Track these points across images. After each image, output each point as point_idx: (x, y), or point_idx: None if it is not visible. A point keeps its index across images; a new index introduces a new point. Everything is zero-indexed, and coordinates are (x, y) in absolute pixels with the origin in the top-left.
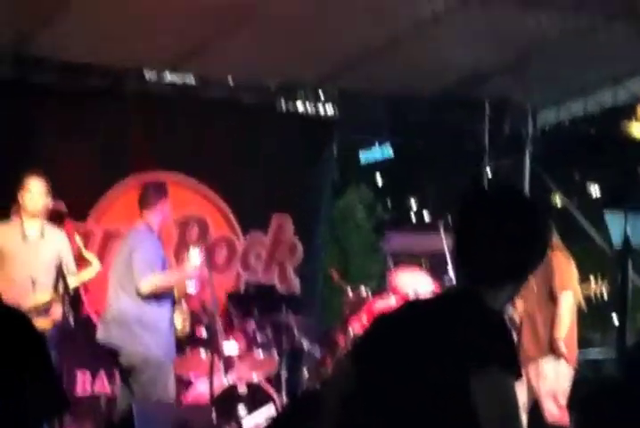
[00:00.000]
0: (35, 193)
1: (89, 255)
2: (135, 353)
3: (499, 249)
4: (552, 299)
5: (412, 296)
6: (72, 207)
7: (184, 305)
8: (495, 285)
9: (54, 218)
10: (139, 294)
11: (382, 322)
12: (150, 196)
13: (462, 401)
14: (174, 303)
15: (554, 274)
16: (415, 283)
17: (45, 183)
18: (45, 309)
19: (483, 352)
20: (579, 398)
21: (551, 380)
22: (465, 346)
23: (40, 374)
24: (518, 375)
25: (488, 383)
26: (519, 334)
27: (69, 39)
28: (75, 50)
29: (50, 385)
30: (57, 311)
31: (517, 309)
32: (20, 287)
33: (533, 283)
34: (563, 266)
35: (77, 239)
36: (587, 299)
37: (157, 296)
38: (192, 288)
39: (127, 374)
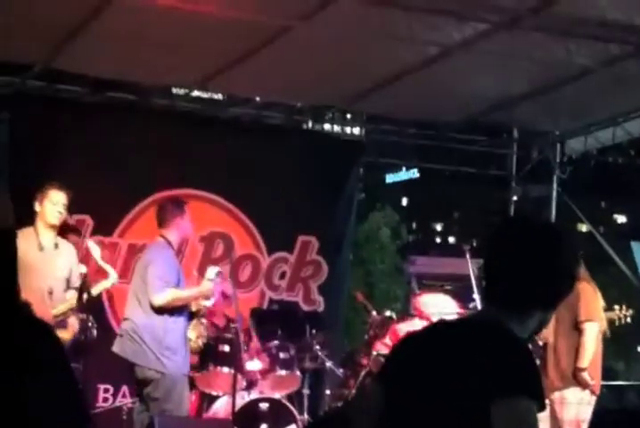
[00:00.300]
0: (56, 204)
1: (106, 266)
2: (147, 367)
3: (529, 278)
4: (576, 329)
5: (435, 319)
6: (98, 221)
7: (203, 321)
8: (523, 314)
9: (64, 231)
10: (152, 308)
11: (410, 343)
12: (166, 213)
13: (482, 426)
14: (190, 319)
15: (580, 304)
16: (439, 306)
17: (66, 195)
18: (62, 321)
19: (507, 381)
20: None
21: (574, 409)
22: (490, 373)
23: (61, 388)
24: (541, 406)
25: (509, 413)
26: (543, 363)
27: (96, 55)
28: (102, 66)
29: (71, 399)
30: (75, 323)
31: (541, 338)
32: (39, 298)
33: (559, 312)
34: (589, 296)
35: (94, 250)
36: (611, 324)
37: (171, 311)
38: (209, 303)
39: (143, 387)
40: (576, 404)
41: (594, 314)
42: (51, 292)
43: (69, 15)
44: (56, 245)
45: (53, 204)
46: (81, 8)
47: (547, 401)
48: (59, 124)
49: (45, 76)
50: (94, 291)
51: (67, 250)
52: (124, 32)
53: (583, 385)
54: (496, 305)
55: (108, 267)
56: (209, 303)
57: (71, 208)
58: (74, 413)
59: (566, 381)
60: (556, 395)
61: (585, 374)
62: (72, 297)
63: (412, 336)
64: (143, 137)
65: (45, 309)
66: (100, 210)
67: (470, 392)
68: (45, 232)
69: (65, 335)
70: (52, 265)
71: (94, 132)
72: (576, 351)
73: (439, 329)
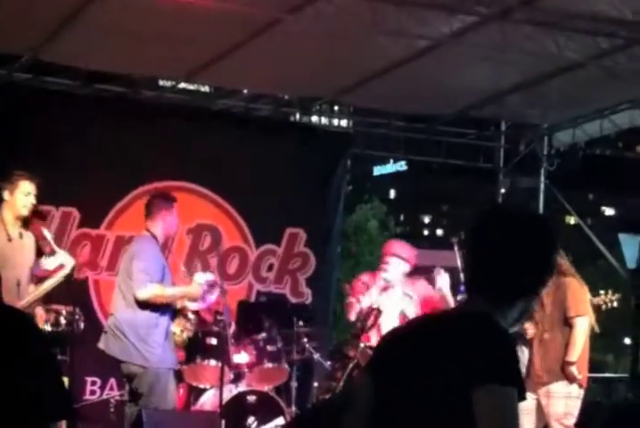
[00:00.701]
0: (27, 195)
1: (63, 253)
2: (130, 362)
3: (512, 268)
4: (566, 324)
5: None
6: (85, 213)
7: (190, 316)
8: (506, 303)
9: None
10: (136, 302)
11: (396, 335)
12: (153, 206)
13: (465, 417)
14: (174, 316)
15: (569, 299)
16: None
17: (36, 186)
18: (30, 312)
19: (486, 369)
20: (596, 422)
21: (561, 403)
22: (470, 362)
23: (45, 377)
24: (521, 394)
25: (489, 399)
26: (531, 357)
27: (85, 47)
28: (90, 58)
29: (55, 388)
30: (42, 313)
31: (529, 333)
32: (8, 289)
33: (547, 307)
34: (577, 291)
35: (49, 236)
36: (598, 309)
37: (155, 306)
38: (194, 306)
39: (129, 381)
40: (563, 398)
41: (583, 309)
42: (19, 284)
43: (57, 7)
44: (21, 235)
45: (24, 195)
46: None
47: (534, 395)
48: (46, 115)
49: (32, 68)
50: (53, 280)
51: (29, 239)
52: (112, 24)
53: (570, 379)
54: (480, 295)
55: (64, 254)
56: (194, 306)
57: (58, 200)
58: (58, 401)
59: (553, 375)
60: (543, 389)
61: (573, 368)
62: (38, 287)
63: (399, 329)
64: (131, 130)
65: (15, 301)
66: (87, 203)
67: (452, 382)
68: (13, 222)
69: (39, 326)
70: (19, 255)
71: (81, 124)
72: (565, 346)
73: (424, 322)
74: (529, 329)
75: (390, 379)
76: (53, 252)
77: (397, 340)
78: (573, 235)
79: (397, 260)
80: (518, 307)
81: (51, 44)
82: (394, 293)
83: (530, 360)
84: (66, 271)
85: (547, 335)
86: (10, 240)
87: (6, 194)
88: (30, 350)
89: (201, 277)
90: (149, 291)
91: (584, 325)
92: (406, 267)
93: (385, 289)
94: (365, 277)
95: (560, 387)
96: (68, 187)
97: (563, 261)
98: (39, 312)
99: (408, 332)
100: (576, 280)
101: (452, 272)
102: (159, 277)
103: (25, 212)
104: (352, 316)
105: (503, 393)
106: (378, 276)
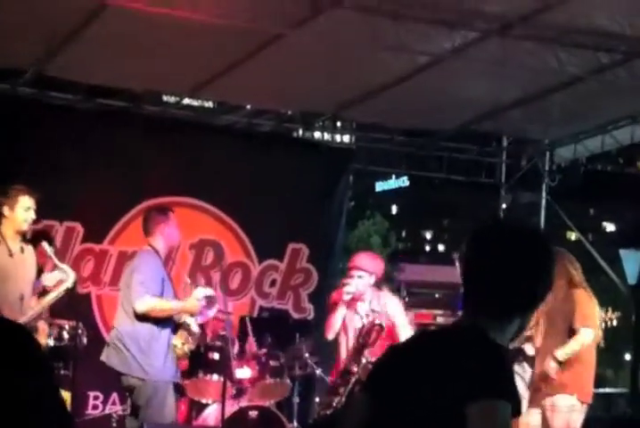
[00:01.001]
0: (27, 210)
1: (64, 267)
2: (130, 374)
3: (508, 282)
4: (572, 336)
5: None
6: (89, 228)
7: (193, 329)
8: (503, 320)
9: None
10: (135, 315)
11: (393, 352)
12: (149, 221)
13: None
14: (176, 326)
15: (576, 311)
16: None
17: (35, 201)
18: (33, 326)
19: (479, 385)
20: None
21: (564, 416)
22: (464, 378)
23: (41, 390)
24: (515, 409)
25: (482, 415)
26: (535, 369)
27: (88, 62)
28: (94, 73)
29: (51, 402)
30: (45, 327)
31: (535, 344)
32: (11, 304)
33: (552, 319)
34: (585, 303)
35: (50, 251)
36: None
37: (155, 319)
38: (194, 322)
39: (130, 394)
40: (566, 412)
41: (590, 321)
42: (22, 298)
43: (61, 22)
44: (22, 249)
45: (24, 210)
46: (73, 15)
47: (539, 409)
48: (50, 131)
49: (36, 82)
50: (54, 294)
51: (30, 254)
52: (116, 39)
53: (545, 372)
54: (476, 311)
55: (65, 267)
56: (191, 321)
57: (62, 215)
58: (54, 415)
59: (555, 388)
60: (548, 402)
61: (552, 364)
62: (40, 302)
63: (396, 346)
64: (134, 145)
65: (18, 315)
66: (90, 218)
67: (446, 399)
68: (14, 237)
69: (42, 340)
70: (21, 270)
71: (84, 138)
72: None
73: (420, 338)
74: (528, 345)
75: (385, 396)
76: (54, 268)
77: (394, 357)
78: (574, 251)
79: (361, 273)
80: (516, 322)
81: (54, 58)
82: (361, 309)
83: (534, 371)
84: (67, 285)
85: (550, 348)
86: (11, 255)
87: (6, 210)
88: (27, 365)
89: (200, 293)
90: (147, 303)
91: (588, 337)
92: (371, 280)
93: (351, 304)
94: (334, 294)
95: (563, 400)
96: (71, 202)
97: (576, 273)
98: (42, 326)
99: (405, 348)
100: (586, 292)
101: (453, 288)
102: (158, 290)
103: (25, 227)
104: (330, 336)
105: (494, 408)
106: (343, 291)
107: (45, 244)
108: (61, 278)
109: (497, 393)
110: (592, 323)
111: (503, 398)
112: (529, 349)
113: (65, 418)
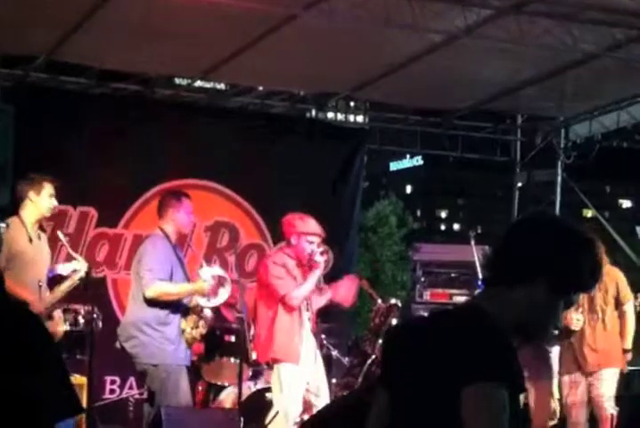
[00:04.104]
0: (52, 197)
1: (77, 256)
2: (143, 358)
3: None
4: (615, 309)
5: None
6: (103, 213)
7: (204, 314)
8: (519, 282)
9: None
10: (145, 300)
11: (397, 337)
12: (162, 205)
13: (454, 417)
14: (186, 313)
15: (618, 286)
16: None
17: (54, 187)
18: (49, 313)
19: (473, 368)
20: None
21: (612, 385)
22: (459, 361)
23: (48, 375)
24: (515, 388)
25: (474, 399)
26: (580, 346)
27: (100, 46)
28: (106, 57)
29: (57, 387)
30: (60, 315)
31: (576, 324)
32: (33, 290)
33: (596, 294)
34: (620, 278)
35: (64, 239)
36: None
37: (165, 303)
38: (209, 303)
39: (143, 378)
40: (613, 382)
41: (629, 293)
42: (40, 285)
43: (73, 7)
44: (39, 237)
45: (49, 196)
46: None
47: (583, 380)
48: (63, 116)
49: (48, 68)
50: (69, 282)
51: (45, 242)
52: (128, 23)
53: (623, 365)
54: (494, 285)
55: (78, 257)
56: (206, 303)
57: (75, 200)
58: (62, 400)
59: (604, 361)
60: (594, 375)
61: (629, 355)
62: (55, 291)
63: (399, 330)
64: (147, 128)
65: (39, 301)
66: (104, 202)
67: (443, 382)
68: (34, 223)
69: (58, 328)
70: (40, 257)
71: (97, 123)
72: (619, 332)
73: (423, 321)
74: (574, 320)
75: (393, 382)
76: (67, 257)
77: (397, 342)
78: (590, 228)
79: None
80: (518, 296)
81: (66, 44)
82: None
83: (571, 349)
84: (81, 274)
85: (593, 323)
86: (30, 241)
87: (32, 195)
88: (29, 349)
89: (206, 272)
90: (156, 288)
91: (632, 310)
92: None
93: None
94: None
95: (611, 372)
96: (85, 187)
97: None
98: (57, 314)
99: (407, 333)
100: (614, 268)
101: (469, 267)
102: (166, 275)
103: (48, 214)
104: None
105: (488, 392)
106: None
107: (59, 233)
108: (75, 268)
109: (492, 375)
110: (629, 295)
111: (498, 379)
112: (576, 324)
113: (70, 410)
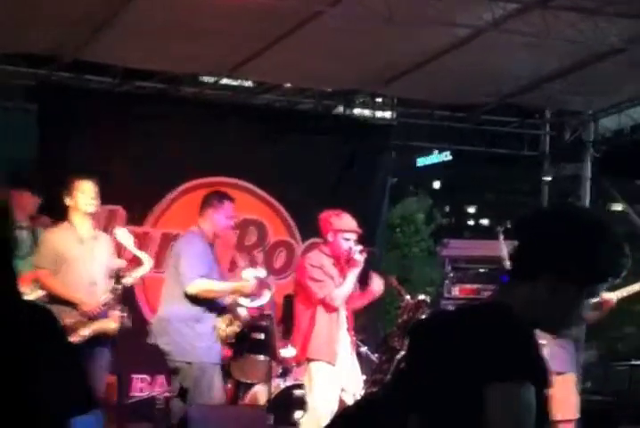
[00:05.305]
0: (85, 192)
1: (140, 253)
2: (177, 356)
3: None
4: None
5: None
6: (130, 211)
7: (240, 312)
8: (531, 281)
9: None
10: (186, 297)
11: (417, 332)
12: (203, 202)
13: (477, 415)
14: (222, 311)
15: None
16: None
17: (94, 184)
18: (105, 311)
19: (494, 367)
20: None
21: None
22: (481, 359)
23: (60, 371)
24: (541, 384)
25: (496, 398)
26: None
27: (125, 45)
28: (130, 56)
29: (72, 384)
30: (117, 314)
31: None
32: (85, 290)
33: None
34: None
35: (125, 238)
36: None
37: (203, 300)
38: (249, 303)
39: (175, 376)
40: None
41: None
42: (94, 284)
43: (97, 6)
44: (94, 237)
45: (82, 193)
46: None
47: None
48: (88, 115)
49: (72, 67)
50: (130, 279)
51: (104, 238)
52: (152, 22)
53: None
54: (510, 281)
55: (142, 254)
56: (251, 304)
57: (103, 198)
58: (73, 396)
59: None
60: None
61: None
62: (114, 287)
63: (422, 327)
64: (174, 126)
65: (91, 301)
66: (131, 200)
67: (467, 381)
68: (83, 223)
69: (111, 325)
70: (92, 256)
71: (123, 121)
72: None
73: (445, 317)
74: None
75: (414, 375)
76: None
77: (419, 335)
78: (618, 222)
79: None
80: (539, 289)
81: (91, 43)
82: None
83: None
84: (145, 269)
85: None
86: (81, 242)
87: (68, 200)
88: (35, 346)
89: (250, 273)
90: (198, 285)
91: None
92: None
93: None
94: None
95: None
96: (112, 185)
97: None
98: (114, 313)
99: (428, 327)
100: None
101: (498, 262)
102: (206, 272)
103: (90, 210)
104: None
105: (512, 391)
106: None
107: (122, 234)
108: (138, 265)
109: (517, 374)
110: None
111: (522, 377)
112: None
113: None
